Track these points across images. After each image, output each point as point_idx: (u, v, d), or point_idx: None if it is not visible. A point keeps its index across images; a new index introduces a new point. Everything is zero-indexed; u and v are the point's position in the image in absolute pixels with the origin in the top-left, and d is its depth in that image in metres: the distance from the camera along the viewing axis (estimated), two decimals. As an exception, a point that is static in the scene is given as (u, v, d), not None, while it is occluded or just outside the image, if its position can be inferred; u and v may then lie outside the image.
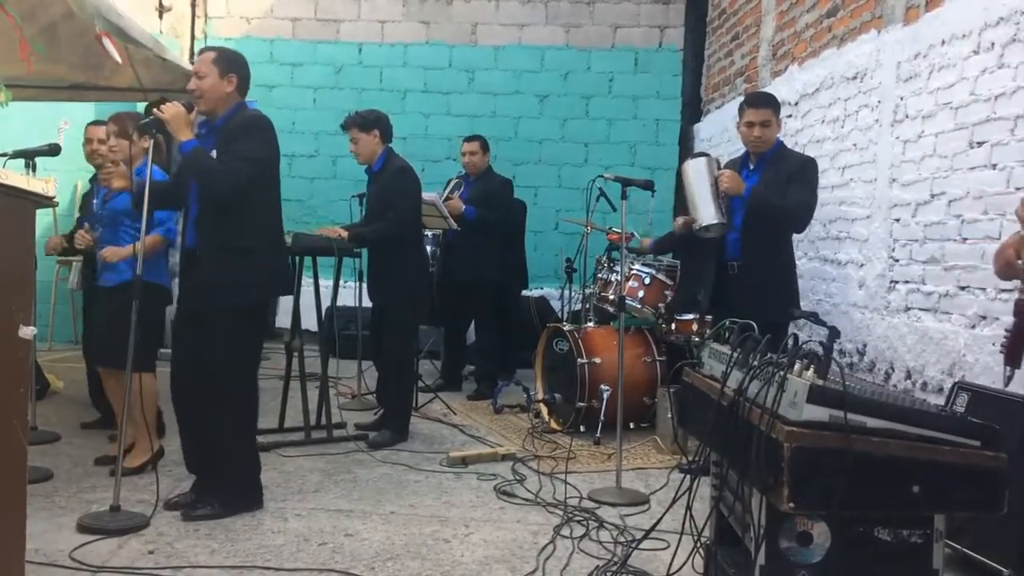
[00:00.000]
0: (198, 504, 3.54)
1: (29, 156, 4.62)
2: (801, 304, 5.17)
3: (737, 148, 6.22)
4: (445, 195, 6.13)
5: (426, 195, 5.72)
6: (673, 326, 5.16)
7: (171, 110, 3.47)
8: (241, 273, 3.52)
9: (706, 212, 4.21)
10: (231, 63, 3.61)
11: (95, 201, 4.50)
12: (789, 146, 5.51)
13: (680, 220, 4.56)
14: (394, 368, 4.95)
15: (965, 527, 2.97)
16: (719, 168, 4.31)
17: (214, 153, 3.52)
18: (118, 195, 4.20)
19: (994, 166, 3.67)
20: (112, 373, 4.15)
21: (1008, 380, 2.65)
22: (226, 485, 3.58)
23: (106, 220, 4.30)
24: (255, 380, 3.72)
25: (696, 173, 4.28)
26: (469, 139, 6.43)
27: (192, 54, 8.21)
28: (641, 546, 3.15)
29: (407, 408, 5.07)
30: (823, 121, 5.39)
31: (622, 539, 3.39)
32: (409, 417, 5.07)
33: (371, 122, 4.92)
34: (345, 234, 4.77)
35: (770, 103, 4.32)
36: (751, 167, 4.34)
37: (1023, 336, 2.36)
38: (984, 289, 3.70)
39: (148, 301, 3.52)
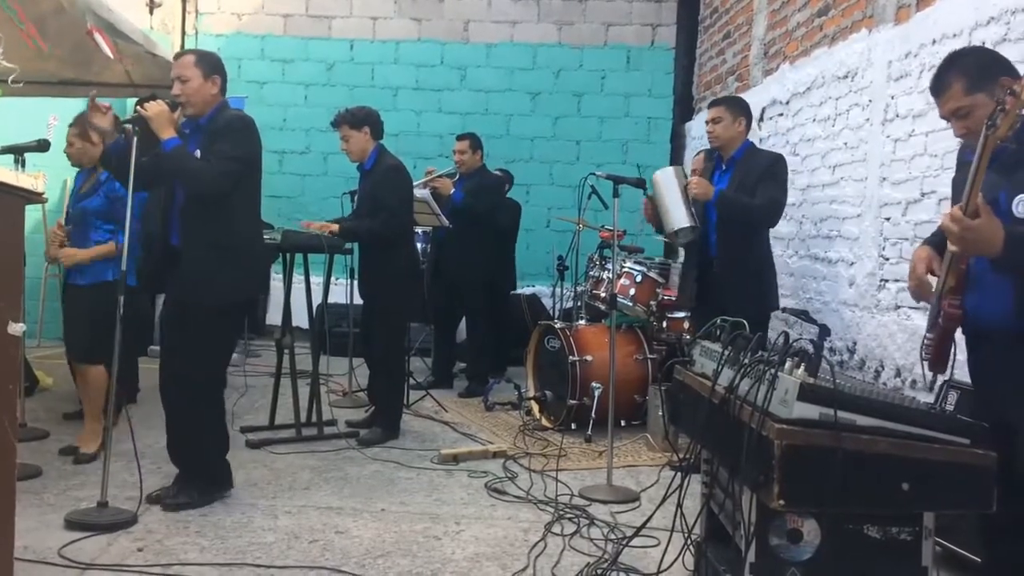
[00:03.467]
0: (177, 494, 3.57)
1: (18, 152, 4.59)
2: (791, 302, 5.20)
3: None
4: (434, 177, 6.15)
5: (418, 192, 5.72)
6: (664, 324, 5.17)
7: (154, 108, 3.47)
8: (223, 270, 3.55)
9: (677, 217, 4.35)
10: (213, 64, 3.64)
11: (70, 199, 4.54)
12: (780, 145, 5.54)
13: (644, 200, 4.60)
14: (384, 365, 4.95)
15: (954, 524, 2.98)
16: (686, 176, 4.49)
17: (198, 153, 3.53)
18: (91, 196, 4.24)
19: (984, 165, 3.69)
20: (84, 366, 4.29)
21: (932, 384, 2.69)
22: (203, 475, 3.66)
23: (77, 219, 4.32)
24: (224, 372, 3.81)
25: (666, 180, 4.43)
26: (460, 137, 6.44)
27: (183, 50, 8.18)
28: (632, 543, 3.16)
29: (398, 405, 5.07)
30: (814, 120, 5.40)
31: (613, 536, 3.39)
32: (400, 414, 5.06)
33: (361, 119, 4.90)
34: (335, 228, 4.76)
35: (721, 102, 4.55)
36: (723, 167, 4.50)
37: (948, 343, 2.39)
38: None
39: (111, 299, 3.55)
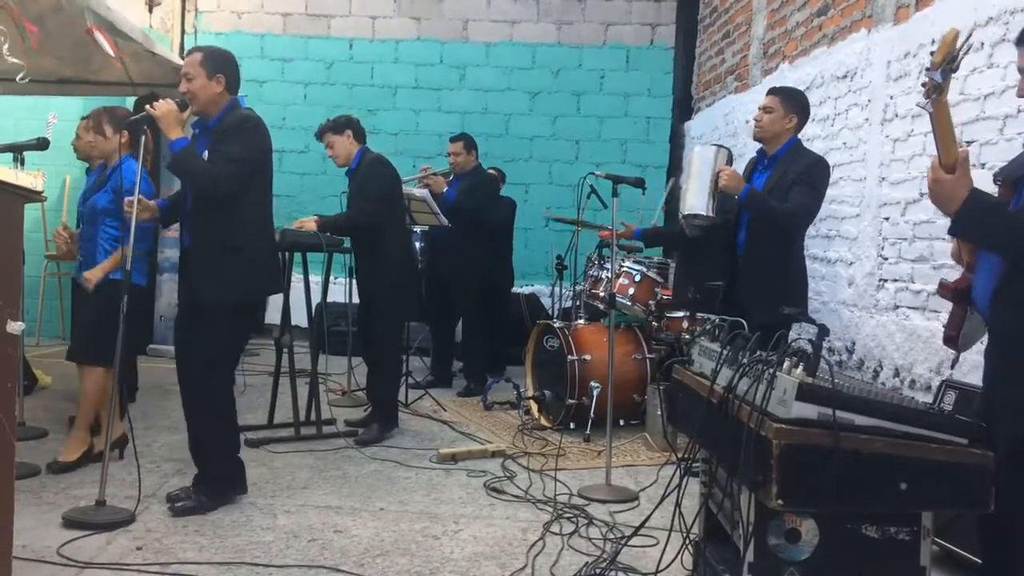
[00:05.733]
0: (186, 498, 3.56)
1: (17, 150, 4.58)
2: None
3: (729, 145, 6.21)
4: (428, 174, 6.19)
5: (417, 191, 5.73)
6: (663, 323, 5.17)
7: (163, 107, 3.46)
8: (229, 271, 3.53)
9: (696, 201, 4.15)
10: (218, 63, 3.60)
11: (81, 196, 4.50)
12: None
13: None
14: (379, 360, 4.97)
15: (953, 524, 2.98)
16: (728, 162, 4.26)
17: (206, 154, 3.53)
18: (98, 192, 4.21)
19: (983, 165, 3.69)
20: (84, 369, 4.16)
21: (954, 364, 2.69)
22: (212, 478, 3.63)
23: (86, 217, 4.29)
24: (232, 374, 3.74)
25: (701, 161, 4.21)
26: (453, 139, 6.46)
27: (182, 49, 8.17)
28: (630, 543, 3.16)
29: (393, 399, 5.08)
30: (813, 120, 5.37)
31: (611, 536, 3.40)
32: (396, 407, 5.08)
33: (342, 124, 5.04)
34: (313, 224, 4.82)
35: (778, 92, 4.28)
36: (764, 164, 4.28)
37: (954, 318, 2.38)
38: (972, 288, 3.71)
39: (119, 299, 3.53)
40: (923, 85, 2.05)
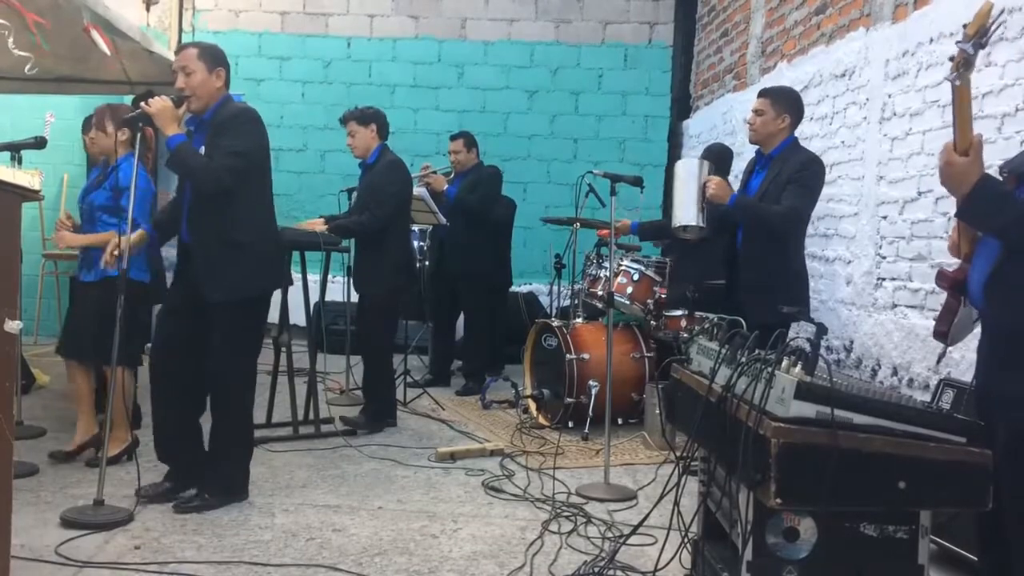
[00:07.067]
0: (195, 496, 3.55)
1: (15, 149, 4.57)
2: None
3: (728, 144, 6.21)
4: (428, 173, 6.21)
5: (416, 190, 5.73)
6: (661, 322, 5.17)
7: (158, 104, 3.44)
8: (232, 267, 3.51)
9: (686, 213, 4.18)
10: (216, 57, 3.60)
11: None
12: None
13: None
14: (372, 356, 5.01)
15: (951, 523, 2.99)
16: (727, 166, 4.29)
17: (203, 149, 3.52)
18: (97, 189, 4.20)
19: (981, 164, 3.69)
20: (82, 367, 4.17)
21: (940, 358, 2.68)
22: (222, 477, 3.62)
23: (84, 214, 4.29)
24: (252, 373, 3.73)
25: (686, 172, 4.25)
26: (453, 137, 6.47)
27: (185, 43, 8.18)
28: (629, 541, 3.16)
29: (388, 396, 5.11)
30: (811, 118, 5.39)
31: (610, 535, 3.40)
32: (392, 403, 5.13)
33: (369, 116, 5.08)
34: (324, 227, 4.84)
35: (767, 94, 4.28)
36: (761, 164, 4.29)
37: (946, 310, 2.38)
38: (970, 286, 3.71)
39: (125, 297, 3.52)
40: (950, 59, 2.04)
